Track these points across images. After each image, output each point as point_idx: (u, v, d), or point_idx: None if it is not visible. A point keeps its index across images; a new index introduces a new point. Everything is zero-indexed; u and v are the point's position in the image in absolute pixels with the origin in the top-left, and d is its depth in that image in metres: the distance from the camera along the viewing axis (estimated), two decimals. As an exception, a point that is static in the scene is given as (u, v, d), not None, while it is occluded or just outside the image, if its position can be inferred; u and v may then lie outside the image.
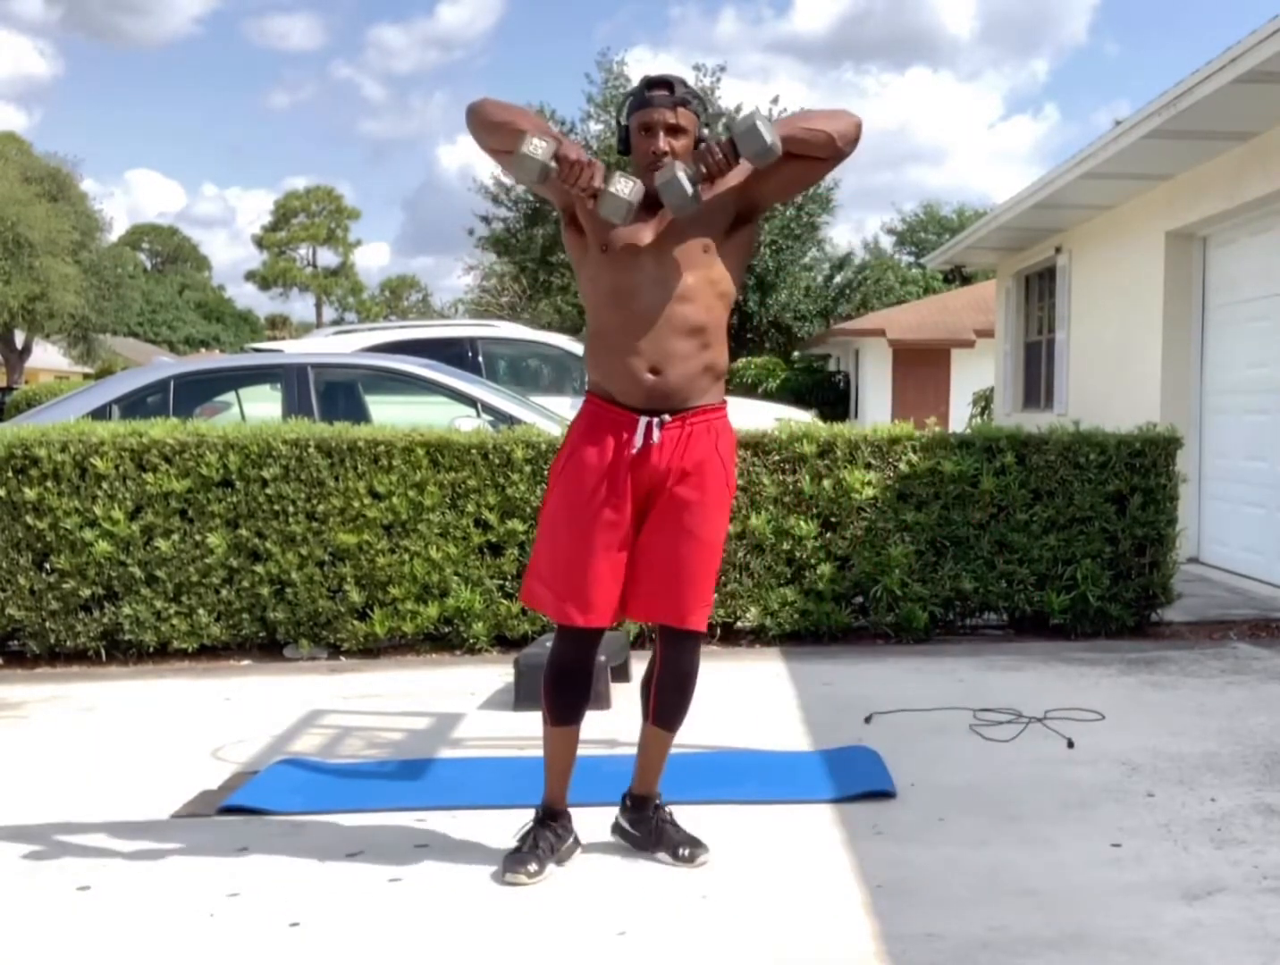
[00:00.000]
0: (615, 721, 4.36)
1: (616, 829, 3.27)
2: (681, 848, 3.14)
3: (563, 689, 3.11)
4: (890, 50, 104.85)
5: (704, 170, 2.91)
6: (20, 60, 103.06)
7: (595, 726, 4.25)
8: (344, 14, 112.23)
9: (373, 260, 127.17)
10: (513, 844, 3.13)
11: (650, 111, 2.97)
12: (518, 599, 5.79)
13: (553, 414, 7.22)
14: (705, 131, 3.04)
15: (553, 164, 2.88)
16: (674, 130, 2.96)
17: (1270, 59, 5.94)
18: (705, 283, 2.99)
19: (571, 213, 3.06)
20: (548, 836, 3.10)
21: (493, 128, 2.95)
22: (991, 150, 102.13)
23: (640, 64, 67.27)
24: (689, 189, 2.86)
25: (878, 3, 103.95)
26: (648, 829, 3.20)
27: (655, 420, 2.97)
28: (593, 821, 3.28)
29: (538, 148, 2.85)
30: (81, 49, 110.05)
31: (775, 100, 29.95)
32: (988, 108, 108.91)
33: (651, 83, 3.00)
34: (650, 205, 2.96)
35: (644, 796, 3.24)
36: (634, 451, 2.97)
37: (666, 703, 3.16)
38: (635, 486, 3.00)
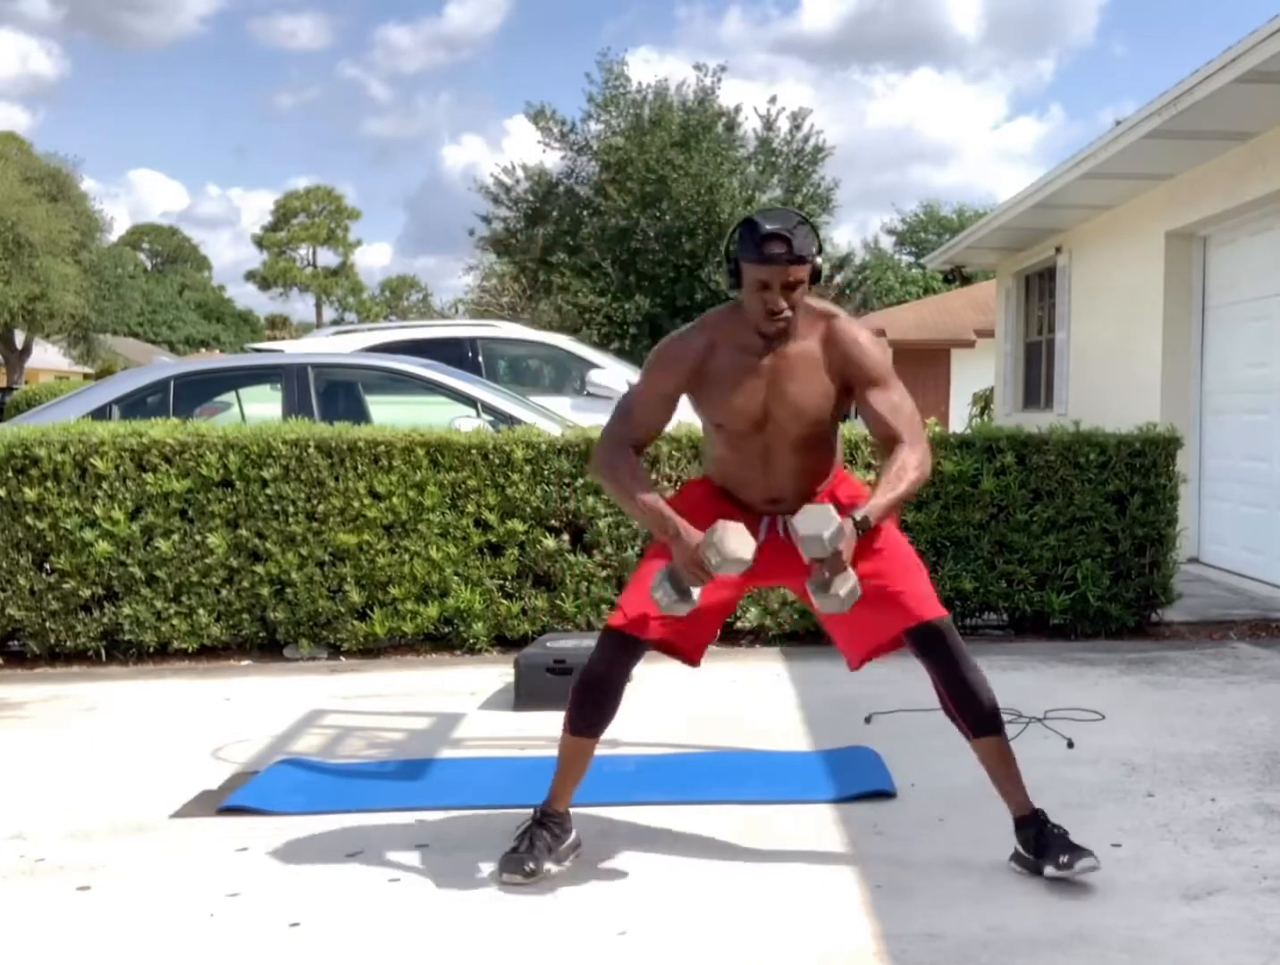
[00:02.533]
0: (616, 721, 4.35)
1: (1014, 858, 3.04)
2: (1061, 855, 2.91)
3: (590, 700, 3.10)
4: (897, 50, 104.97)
5: (824, 571, 2.82)
6: (24, 60, 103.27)
7: (595, 726, 4.26)
8: (351, 13, 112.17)
9: (375, 260, 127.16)
10: (511, 844, 3.13)
11: (768, 270, 2.89)
12: (518, 599, 5.80)
13: (553, 414, 7.21)
14: (819, 261, 2.97)
15: (694, 596, 2.90)
16: (790, 286, 2.92)
17: (1270, 59, 5.94)
18: (815, 428, 3.06)
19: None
20: (545, 836, 3.09)
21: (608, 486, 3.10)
22: (996, 151, 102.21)
23: (646, 64, 67.03)
24: (826, 548, 2.77)
25: (884, 3, 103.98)
26: (1038, 846, 2.97)
27: (780, 520, 3.07)
28: (593, 822, 3.29)
29: (730, 566, 2.83)
30: (86, 48, 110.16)
31: (773, 100, 29.96)
32: (993, 108, 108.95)
33: (768, 235, 2.87)
34: (767, 343, 3.00)
35: (1021, 817, 3.03)
36: (759, 542, 2.98)
37: (969, 708, 2.99)
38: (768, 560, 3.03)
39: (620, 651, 3.07)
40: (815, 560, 2.81)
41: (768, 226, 2.88)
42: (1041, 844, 2.96)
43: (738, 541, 2.81)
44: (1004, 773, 3.05)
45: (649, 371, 3.12)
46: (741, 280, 2.97)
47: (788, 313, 2.93)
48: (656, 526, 2.96)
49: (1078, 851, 2.91)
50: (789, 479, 3.09)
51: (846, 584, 2.81)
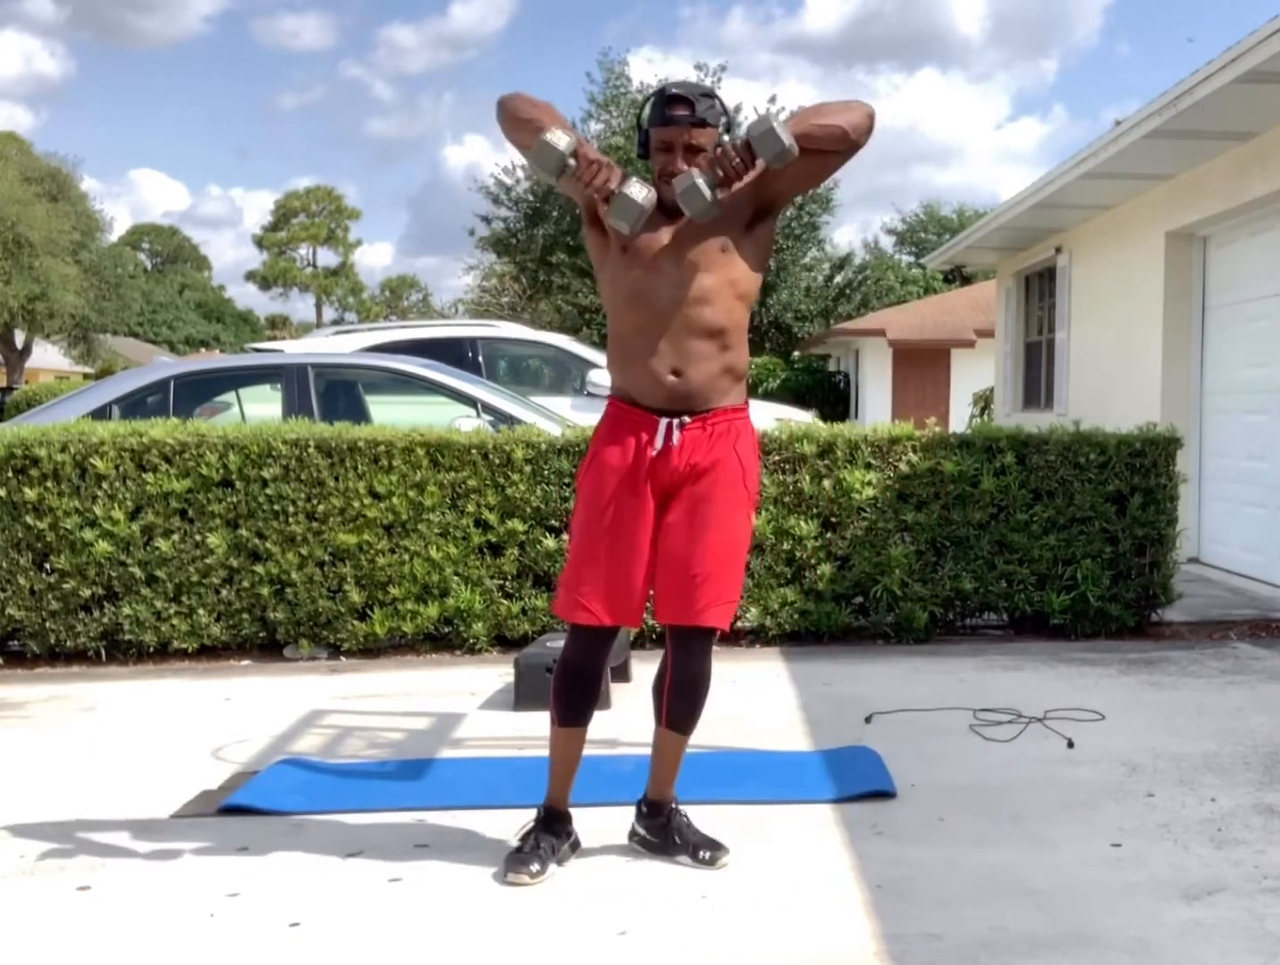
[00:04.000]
0: (615, 721, 4.36)
1: (634, 836, 3.24)
2: (701, 850, 3.12)
3: (571, 690, 3.10)
4: (900, 51, 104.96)
5: (721, 174, 2.92)
6: (27, 59, 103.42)
7: (595, 726, 4.23)
8: (355, 13, 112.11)
9: (377, 260, 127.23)
10: (514, 844, 3.13)
11: (669, 130, 2.97)
12: (518, 599, 5.80)
13: (553, 414, 7.22)
14: (725, 139, 3.02)
15: (571, 161, 2.90)
16: (692, 150, 2.96)
17: (1270, 59, 5.94)
18: (724, 284, 3.00)
19: (593, 211, 3.07)
20: (549, 837, 3.10)
21: (520, 124, 2.99)
22: (999, 151, 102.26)
23: (649, 64, 66.99)
24: (708, 195, 2.87)
25: (888, 3, 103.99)
26: (665, 833, 3.18)
27: (675, 421, 2.99)
28: (593, 821, 3.28)
29: (560, 139, 2.88)
30: (89, 48, 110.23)
31: (772, 99, 29.95)
32: (996, 108, 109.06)
33: (672, 98, 2.98)
34: (669, 210, 2.98)
35: (659, 801, 3.22)
36: (655, 452, 2.98)
37: (678, 706, 3.14)
38: (656, 488, 3.01)
39: (590, 636, 3.08)
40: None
41: (673, 90, 2.99)
42: (676, 833, 3.16)
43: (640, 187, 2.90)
44: (669, 766, 3.21)
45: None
46: (650, 150, 3.03)
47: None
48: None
49: (716, 846, 3.13)
50: (691, 343, 2.99)
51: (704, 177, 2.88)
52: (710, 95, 3.02)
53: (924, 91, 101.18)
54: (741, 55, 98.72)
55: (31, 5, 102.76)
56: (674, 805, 3.22)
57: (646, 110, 3.05)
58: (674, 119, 2.96)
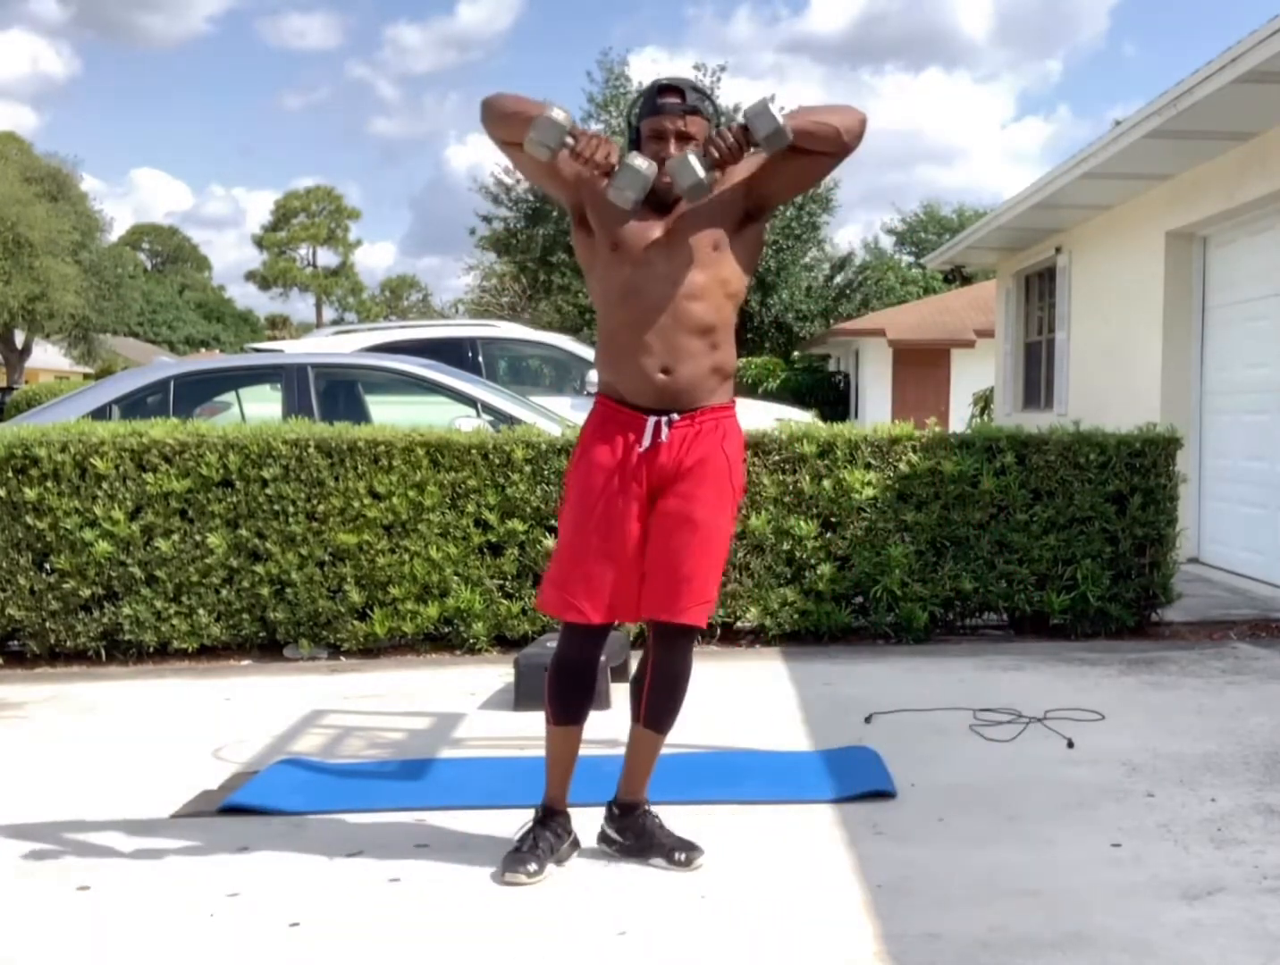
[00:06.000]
0: (615, 721, 4.35)
1: (602, 838, 3.22)
2: (677, 852, 3.10)
3: (566, 688, 3.10)
4: (906, 51, 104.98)
5: (715, 155, 2.92)
6: (31, 59, 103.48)
7: (595, 726, 4.25)
8: (362, 13, 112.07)
9: (378, 261, 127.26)
10: (512, 844, 3.13)
11: (661, 119, 2.97)
12: (518, 599, 5.80)
13: (553, 414, 7.22)
14: (713, 126, 3.03)
15: (569, 140, 2.90)
16: (684, 137, 2.96)
17: (1270, 59, 5.94)
18: (715, 281, 3.00)
19: (581, 213, 3.07)
20: (547, 837, 3.10)
21: (508, 118, 2.98)
22: (1003, 151, 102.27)
23: (655, 64, 67.07)
24: (700, 172, 2.87)
25: (894, 3, 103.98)
26: (636, 835, 3.16)
27: (664, 419, 2.99)
28: (593, 822, 3.28)
29: (559, 114, 2.88)
30: (93, 47, 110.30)
31: (772, 98, 29.87)
32: (1000, 108, 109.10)
33: (662, 88, 3.00)
34: (660, 205, 2.98)
35: (631, 803, 3.20)
36: (642, 450, 2.98)
37: (657, 704, 3.13)
38: (644, 486, 3.01)
39: (582, 634, 3.08)
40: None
41: (663, 81, 3.01)
42: (649, 835, 3.14)
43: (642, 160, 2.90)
44: (643, 765, 3.20)
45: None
46: (639, 146, 3.02)
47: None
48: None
49: (691, 848, 3.11)
50: (680, 340, 2.98)
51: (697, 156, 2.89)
52: (699, 89, 3.03)
53: (929, 92, 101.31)
54: (746, 55, 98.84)
55: (37, 5, 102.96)
56: (645, 807, 3.21)
57: (637, 107, 3.06)
58: (665, 107, 2.97)
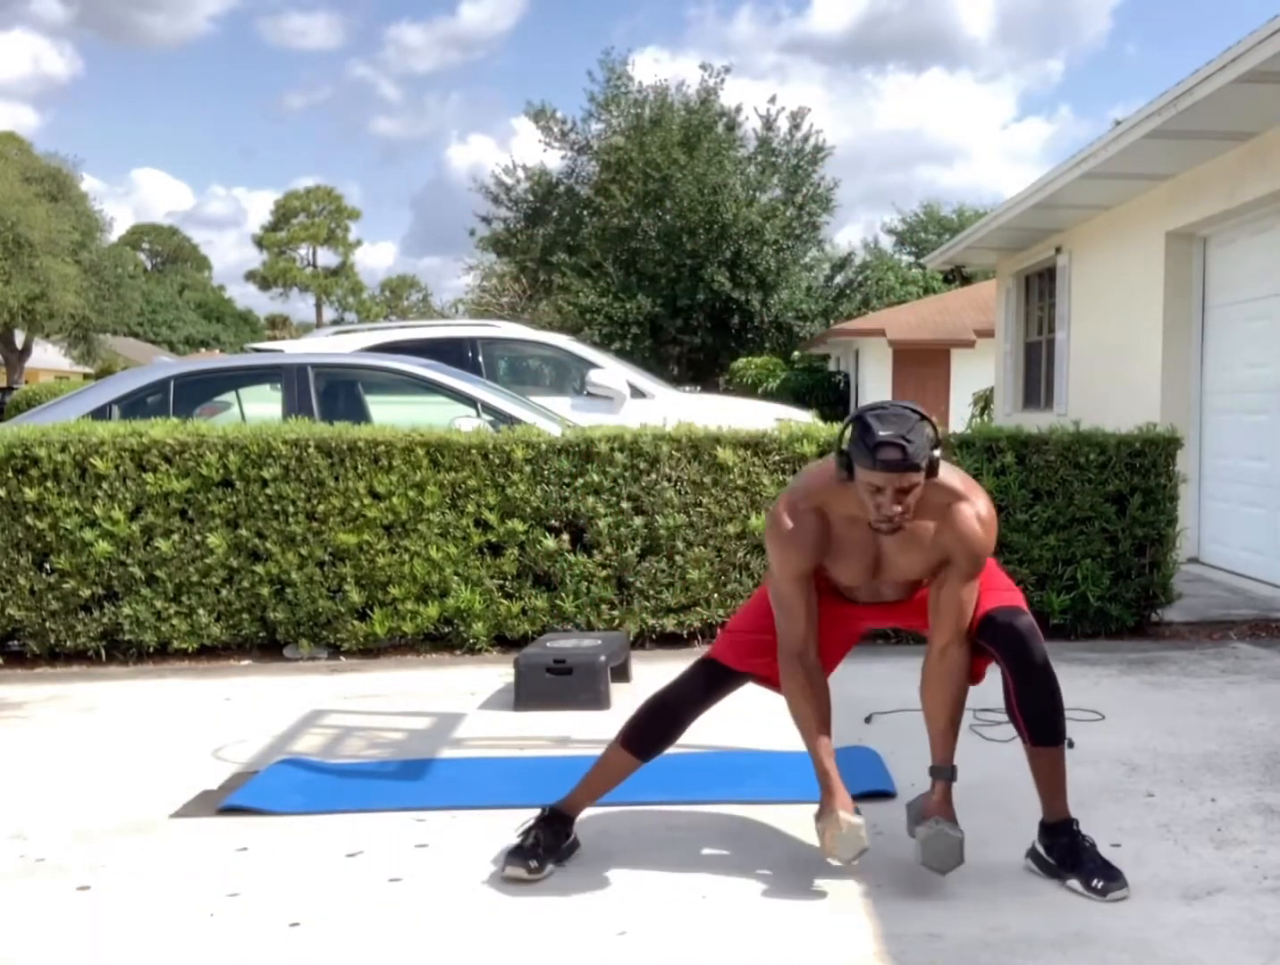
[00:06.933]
0: (615, 722, 4.35)
1: (1032, 854, 3.08)
2: (1095, 878, 2.91)
3: (662, 723, 3.20)
4: (908, 51, 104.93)
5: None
6: (32, 59, 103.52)
7: (595, 726, 4.26)
8: (363, 13, 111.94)
9: (379, 261, 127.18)
10: (514, 840, 3.13)
11: (880, 476, 2.80)
12: (517, 599, 5.79)
13: (553, 414, 7.22)
14: (936, 453, 2.87)
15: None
16: (903, 492, 2.83)
17: (1270, 59, 5.94)
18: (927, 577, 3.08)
19: (807, 575, 3.07)
20: (549, 836, 3.10)
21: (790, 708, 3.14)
22: (1004, 151, 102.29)
23: (656, 64, 66.94)
24: (955, 859, 2.94)
25: (896, 3, 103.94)
26: (1064, 854, 3.00)
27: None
28: (593, 822, 3.28)
29: (860, 825, 2.98)
30: (94, 47, 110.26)
31: (773, 100, 29.96)
32: (1002, 109, 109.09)
33: (881, 443, 2.78)
34: (867, 547, 3.01)
35: (1054, 823, 3.04)
36: None
37: (1036, 712, 2.99)
38: None
39: (714, 683, 3.20)
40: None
41: (881, 433, 2.78)
42: (1074, 856, 2.97)
43: (847, 847, 2.95)
44: (1053, 783, 3.06)
45: (782, 557, 3.02)
46: (854, 474, 2.87)
47: (900, 518, 2.85)
48: (817, 772, 3.05)
49: (1112, 875, 2.92)
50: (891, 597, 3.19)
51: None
52: (921, 421, 2.84)
53: (931, 92, 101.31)
54: (748, 55, 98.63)
55: (39, 5, 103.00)
56: (1076, 825, 3.03)
57: (848, 436, 2.88)
58: (886, 465, 2.78)
